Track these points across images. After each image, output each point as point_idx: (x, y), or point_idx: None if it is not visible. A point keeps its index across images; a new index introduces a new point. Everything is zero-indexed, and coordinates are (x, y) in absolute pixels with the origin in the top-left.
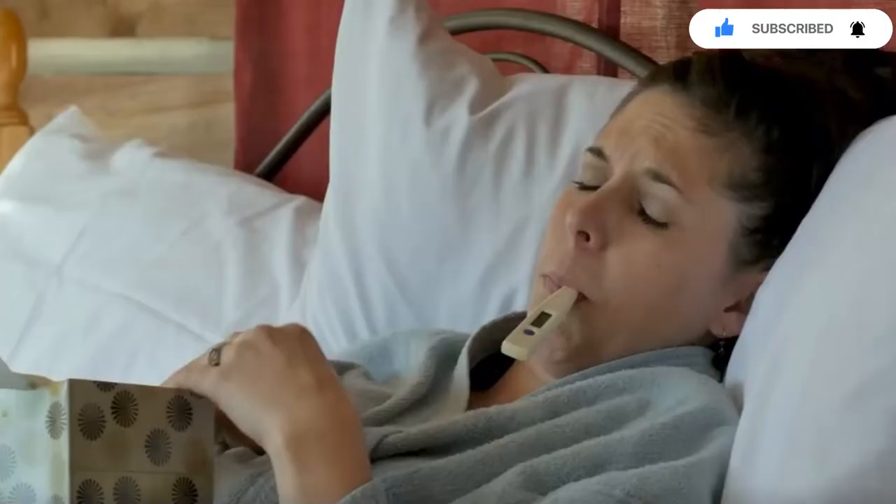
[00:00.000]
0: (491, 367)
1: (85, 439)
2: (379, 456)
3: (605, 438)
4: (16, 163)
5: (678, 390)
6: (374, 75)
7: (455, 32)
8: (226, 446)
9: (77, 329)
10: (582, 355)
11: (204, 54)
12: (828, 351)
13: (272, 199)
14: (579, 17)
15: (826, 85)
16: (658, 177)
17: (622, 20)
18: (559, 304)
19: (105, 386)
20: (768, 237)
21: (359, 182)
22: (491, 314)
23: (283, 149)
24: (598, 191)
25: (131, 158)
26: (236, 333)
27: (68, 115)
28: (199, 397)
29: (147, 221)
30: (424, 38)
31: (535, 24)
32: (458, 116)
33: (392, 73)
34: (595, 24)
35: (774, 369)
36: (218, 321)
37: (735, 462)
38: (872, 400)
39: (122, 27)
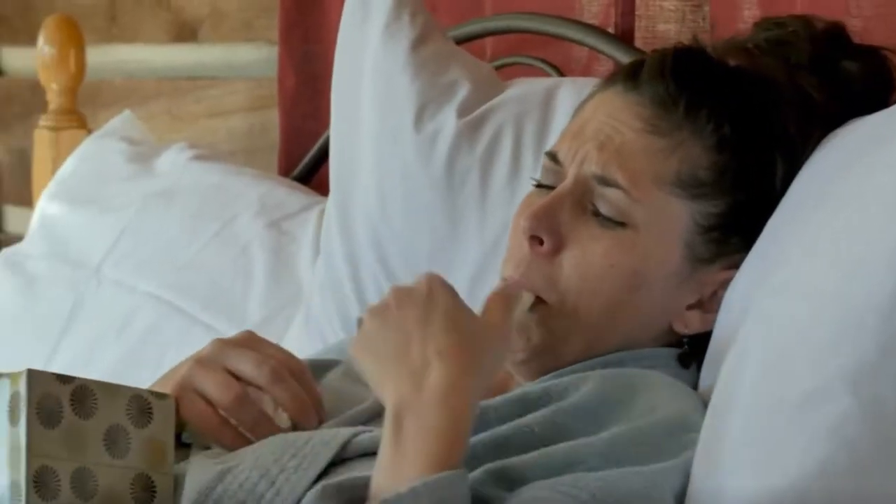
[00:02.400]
0: None
1: (42, 428)
2: (348, 456)
3: (574, 443)
4: (67, 165)
5: (650, 395)
6: (368, 81)
7: (474, 37)
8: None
9: (111, 329)
10: (543, 355)
11: (261, 59)
12: (781, 356)
13: (302, 201)
14: (595, 21)
15: (787, 83)
16: (604, 181)
17: (637, 24)
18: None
19: (65, 379)
20: (725, 235)
21: (355, 186)
22: None
23: (318, 152)
24: (551, 195)
25: (173, 161)
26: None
27: (121, 119)
28: (162, 397)
29: (182, 223)
30: (418, 43)
31: (552, 28)
32: (447, 120)
33: (385, 79)
34: (611, 29)
35: (734, 372)
36: (243, 321)
37: (697, 462)
38: (817, 407)
39: (186, 32)
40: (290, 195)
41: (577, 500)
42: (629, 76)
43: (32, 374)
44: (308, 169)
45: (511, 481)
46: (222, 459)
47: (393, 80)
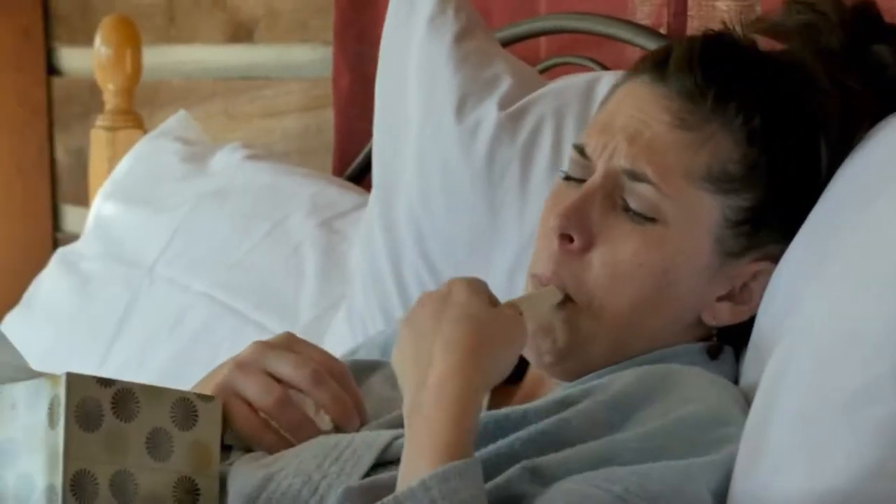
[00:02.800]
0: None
1: (81, 431)
2: (389, 459)
3: (609, 438)
4: (122, 165)
5: (685, 390)
6: (411, 74)
7: (527, 36)
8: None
9: (164, 328)
10: (570, 356)
11: (316, 59)
12: (829, 356)
13: (353, 200)
14: (647, 22)
15: (818, 71)
16: (634, 175)
17: (689, 24)
18: (541, 299)
19: (106, 382)
20: (755, 228)
21: (398, 178)
22: None
23: (371, 151)
24: (580, 191)
25: (226, 161)
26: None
27: (176, 119)
28: (208, 400)
29: (234, 223)
30: (461, 37)
31: (603, 28)
32: (488, 112)
33: (428, 71)
34: (663, 29)
35: (780, 371)
36: (294, 320)
37: (740, 462)
38: (865, 409)
39: (241, 33)
40: (342, 194)
41: (610, 493)
42: (656, 67)
43: (71, 378)
44: (361, 168)
45: (547, 477)
46: (264, 464)
47: (435, 73)
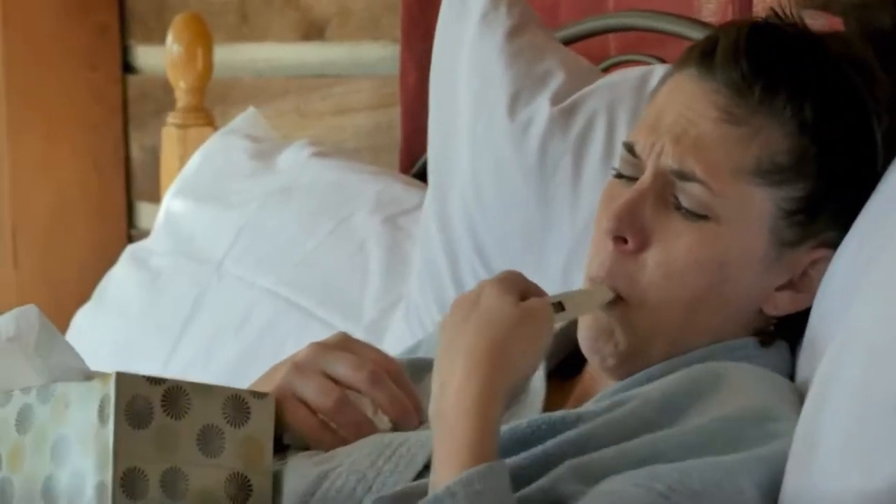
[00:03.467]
0: (571, 366)
1: (131, 428)
2: None
3: (653, 436)
4: (192, 163)
5: (733, 386)
6: (464, 69)
7: (592, 34)
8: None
9: (230, 325)
10: (632, 359)
11: (387, 57)
12: (881, 355)
13: (417, 197)
14: (713, 19)
15: (871, 58)
16: (683, 175)
17: None
18: (589, 297)
19: (156, 381)
20: (812, 216)
21: (452, 175)
22: None
23: None
24: (631, 191)
25: (293, 158)
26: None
27: (245, 116)
28: (260, 397)
29: (300, 220)
30: (514, 32)
31: (667, 25)
32: (540, 108)
33: (480, 67)
34: None
35: (832, 369)
36: (358, 317)
37: (792, 460)
38: None
39: (313, 31)
40: (407, 192)
41: (652, 491)
42: (702, 59)
43: (121, 377)
44: (426, 165)
45: (592, 476)
46: (319, 461)
47: (488, 69)
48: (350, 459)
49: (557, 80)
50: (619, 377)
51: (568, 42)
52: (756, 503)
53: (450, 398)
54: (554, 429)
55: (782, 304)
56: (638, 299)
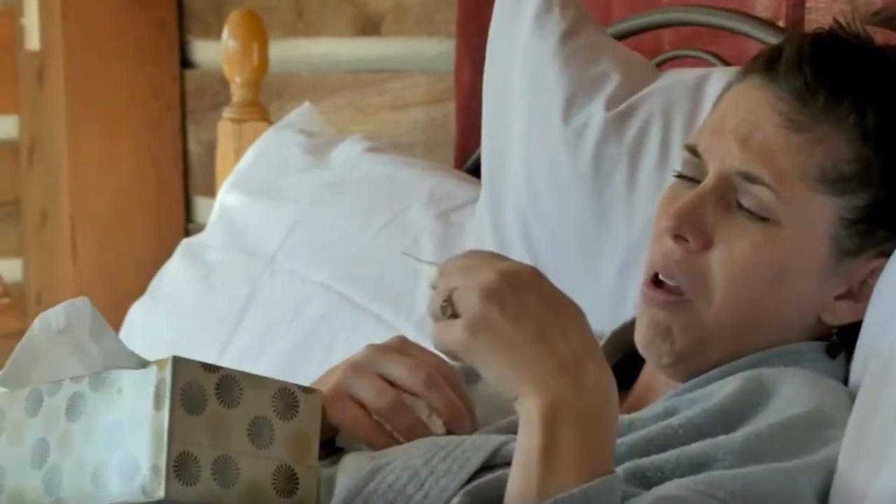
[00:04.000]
0: (627, 368)
1: (186, 413)
2: (497, 463)
3: (710, 441)
4: (247, 157)
5: (788, 392)
6: (518, 72)
7: (644, 29)
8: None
9: (283, 318)
10: (688, 358)
11: (442, 52)
12: None
13: (471, 193)
14: (766, 14)
15: None
16: (749, 178)
17: (807, 16)
18: None
19: (211, 368)
20: (872, 226)
21: (506, 177)
22: (629, 307)
23: None
24: (694, 192)
25: (347, 153)
26: (447, 261)
27: (300, 111)
28: (309, 392)
29: (353, 214)
30: (568, 34)
31: (719, 20)
32: (594, 113)
33: (534, 70)
34: (782, 22)
35: (884, 369)
36: (410, 312)
37: (841, 463)
38: None
39: (369, 26)
40: (460, 187)
41: (714, 498)
42: (767, 67)
43: (178, 362)
44: (480, 161)
45: (649, 480)
46: (374, 456)
47: (542, 71)
48: (404, 457)
49: (613, 82)
50: (674, 376)
51: (620, 38)
52: None
53: (591, 397)
54: None
55: (841, 314)
56: (703, 300)
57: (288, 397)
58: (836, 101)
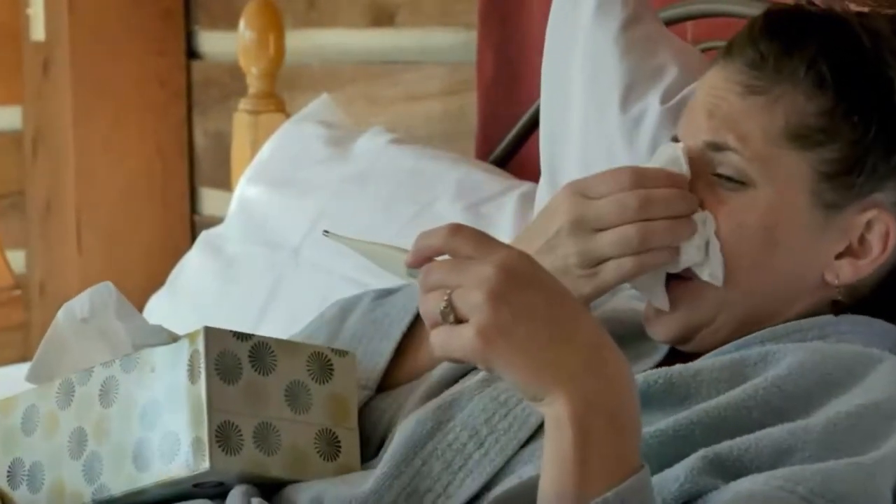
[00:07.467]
0: None
1: (222, 383)
2: None
3: (791, 427)
4: (266, 149)
5: (869, 376)
6: (577, 60)
7: (678, 20)
8: None
9: (307, 310)
10: (696, 333)
11: (458, 43)
12: None
13: (499, 185)
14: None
15: (891, 35)
16: (717, 146)
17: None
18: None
19: (243, 336)
20: (852, 177)
21: (564, 165)
22: None
23: (516, 136)
24: None
25: (370, 145)
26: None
27: (318, 103)
28: (342, 354)
29: (378, 206)
30: (629, 24)
31: (750, 10)
32: (651, 104)
33: (594, 59)
34: None
35: None
36: None
37: None
38: None
39: (383, 17)
40: (488, 179)
41: (794, 494)
42: (727, 49)
43: (210, 332)
44: (506, 153)
45: (726, 469)
46: (438, 405)
47: (602, 59)
48: (464, 414)
49: (670, 75)
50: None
51: None
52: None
53: (618, 392)
54: (672, 386)
55: (844, 273)
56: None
57: (322, 361)
58: (787, 58)
